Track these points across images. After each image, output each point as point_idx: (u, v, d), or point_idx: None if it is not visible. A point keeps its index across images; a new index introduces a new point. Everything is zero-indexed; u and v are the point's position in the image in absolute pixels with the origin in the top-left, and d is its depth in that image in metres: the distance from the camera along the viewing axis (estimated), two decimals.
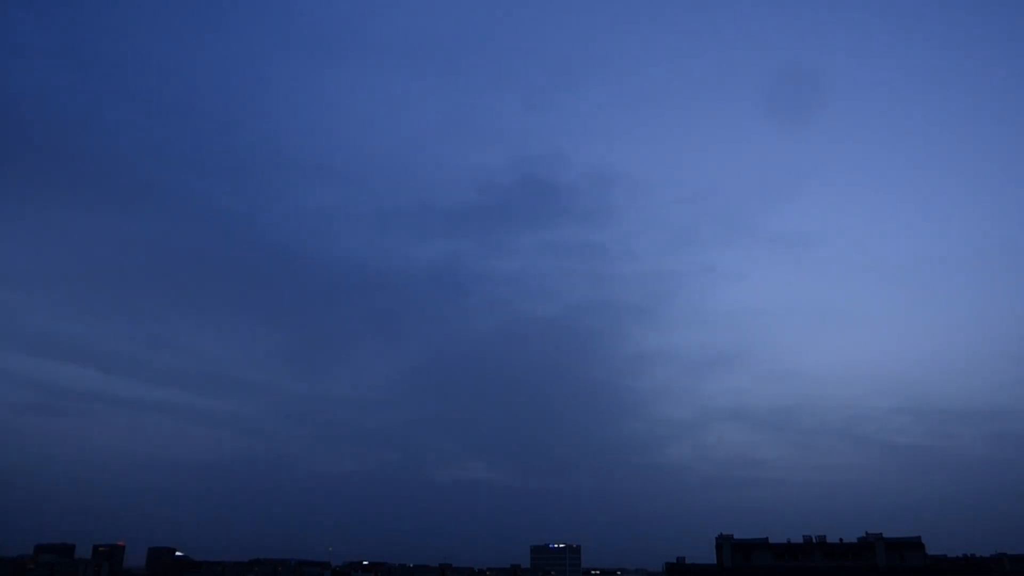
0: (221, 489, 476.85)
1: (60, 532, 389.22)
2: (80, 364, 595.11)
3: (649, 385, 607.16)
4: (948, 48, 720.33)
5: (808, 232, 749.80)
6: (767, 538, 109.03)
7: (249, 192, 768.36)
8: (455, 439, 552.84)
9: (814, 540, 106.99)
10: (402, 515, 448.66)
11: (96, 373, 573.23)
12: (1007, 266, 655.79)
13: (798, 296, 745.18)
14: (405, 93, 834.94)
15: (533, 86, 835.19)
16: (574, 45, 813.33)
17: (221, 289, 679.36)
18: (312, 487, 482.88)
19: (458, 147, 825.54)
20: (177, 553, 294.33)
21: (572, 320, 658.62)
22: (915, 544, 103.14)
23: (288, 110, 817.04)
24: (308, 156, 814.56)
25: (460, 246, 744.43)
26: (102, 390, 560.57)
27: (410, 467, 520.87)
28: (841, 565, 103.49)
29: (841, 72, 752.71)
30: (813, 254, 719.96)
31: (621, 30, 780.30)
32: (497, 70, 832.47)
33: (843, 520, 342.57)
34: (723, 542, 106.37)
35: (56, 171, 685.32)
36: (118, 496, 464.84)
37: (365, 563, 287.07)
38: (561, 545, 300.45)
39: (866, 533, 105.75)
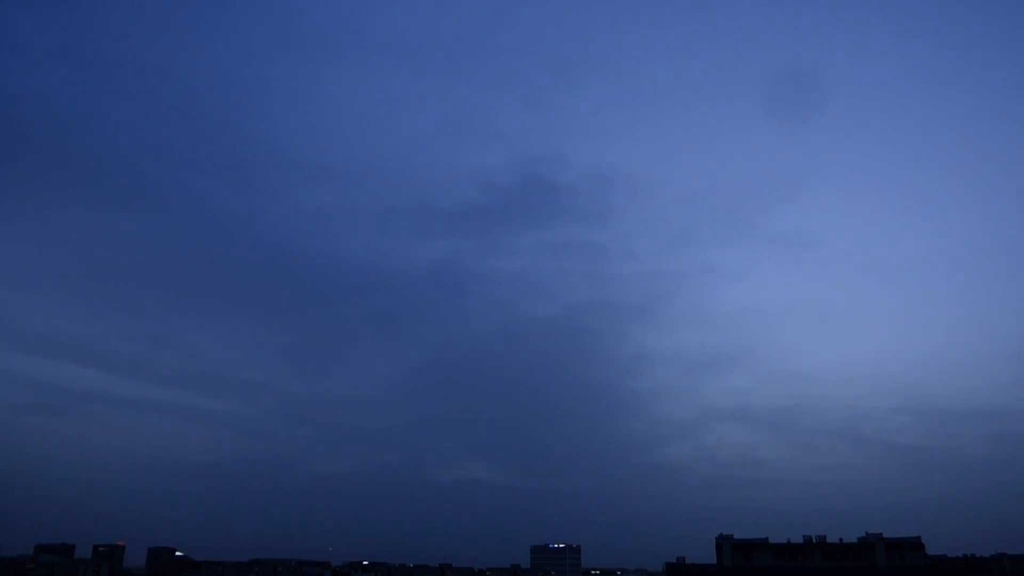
0: (221, 489, 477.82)
1: (60, 532, 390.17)
2: (80, 364, 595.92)
3: (649, 385, 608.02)
4: (948, 48, 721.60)
5: (808, 232, 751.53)
6: (767, 538, 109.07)
7: (249, 192, 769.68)
8: (455, 439, 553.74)
9: (814, 540, 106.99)
10: (402, 515, 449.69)
11: (96, 373, 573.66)
12: (1007, 266, 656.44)
13: (798, 296, 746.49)
14: (405, 93, 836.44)
15: (533, 86, 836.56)
16: (574, 45, 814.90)
17: (221, 289, 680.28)
18: (312, 487, 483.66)
19: (458, 147, 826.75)
20: (177, 553, 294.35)
21: (572, 320, 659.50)
22: (915, 544, 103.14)
23: (288, 110, 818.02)
24: (308, 156, 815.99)
25: (460, 246, 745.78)
26: (102, 390, 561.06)
27: (410, 467, 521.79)
28: (841, 565, 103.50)
29: (841, 72, 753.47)
30: (813, 254, 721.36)
31: (621, 30, 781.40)
32: (497, 70, 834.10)
33: (843, 520, 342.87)
34: (723, 542, 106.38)
35: (56, 171, 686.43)
36: (118, 496, 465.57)
37: (365, 563, 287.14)
38: (561, 545, 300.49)
39: (866, 533, 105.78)
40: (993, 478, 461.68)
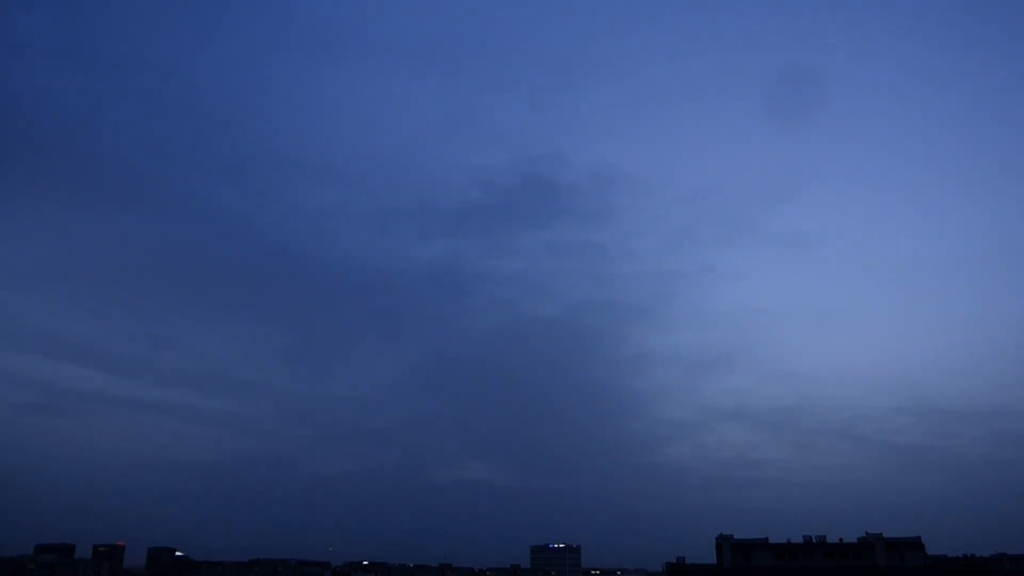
0: (221, 489, 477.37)
1: (60, 532, 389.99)
2: (80, 364, 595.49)
3: (649, 385, 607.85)
4: (948, 48, 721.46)
5: (808, 232, 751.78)
6: (767, 538, 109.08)
7: (249, 192, 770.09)
8: (455, 439, 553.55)
9: (814, 540, 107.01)
10: (402, 515, 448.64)
11: (96, 373, 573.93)
12: (1007, 266, 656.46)
13: (798, 296, 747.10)
14: (405, 93, 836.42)
15: (534, 86, 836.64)
16: (575, 45, 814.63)
17: (221, 289, 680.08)
18: (312, 487, 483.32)
19: (459, 147, 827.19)
20: (177, 553, 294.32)
21: (572, 320, 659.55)
22: (915, 544, 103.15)
23: (289, 110, 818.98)
24: (309, 156, 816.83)
25: (461, 246, 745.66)
26: (102, 390, 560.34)
27: (410, 467, 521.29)
28: (841, 565, 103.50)
29: (841, 72, 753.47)
30: (813, 254, 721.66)
31: (621, 30, 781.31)
32: (498, 70, 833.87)
33: (843, 520, 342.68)
34: (723, 542, 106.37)
35: (56, 171, 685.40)
36: (118, 496, 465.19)
37: (365, 563, 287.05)
38: (561, 545, 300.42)
39: (866, 533, 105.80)
40: (993, 478, 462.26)
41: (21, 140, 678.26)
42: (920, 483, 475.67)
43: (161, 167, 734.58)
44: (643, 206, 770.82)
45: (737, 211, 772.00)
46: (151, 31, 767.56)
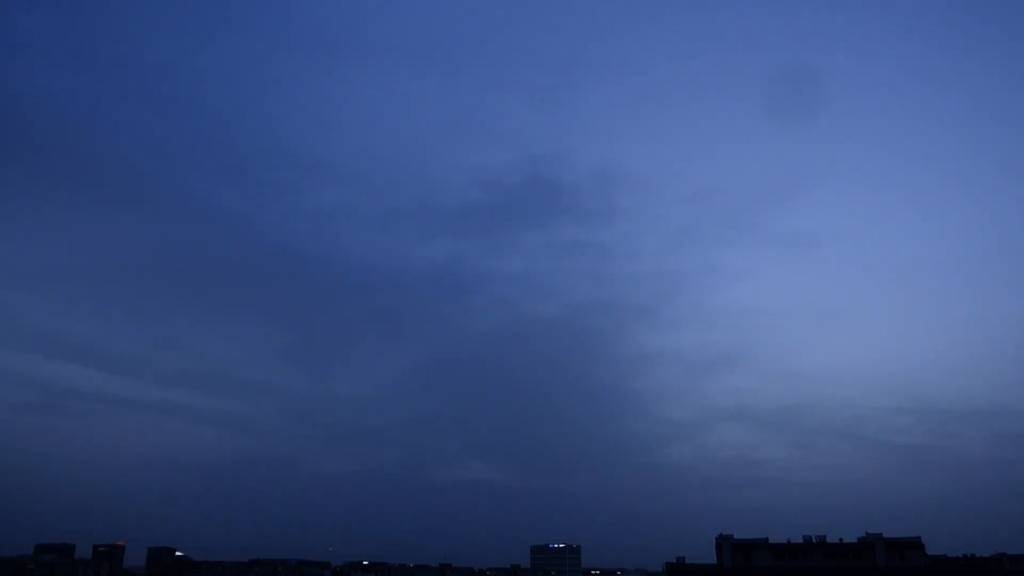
0: (221, 489, 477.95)
1: (60, 532, 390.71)
2: (80, 364, 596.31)
3: (650, 385, 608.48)
4: (948, 48, 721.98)
5: (809, 232, 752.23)
6: (767, 538, 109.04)
7: (250, 192, 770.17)
8: (455, 439, 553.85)
9: (814, 540, 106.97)
10: (402, 515, 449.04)
11: (96, 373, 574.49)
12: (1007, 266, 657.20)
13: (799, 296, 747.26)
14: (407, 92, 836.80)
15: (535, 86, 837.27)
16: (576, 45, 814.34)
17: (222, 289, 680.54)
18: (312, 487, 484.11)
19: (459, 147, 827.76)
20: (177, 553, 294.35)
21: (574, 320, 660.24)
22: (915, 544, 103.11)
23: (289, 110, 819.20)
24: (309, 156, 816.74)
25: (462, 246, 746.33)
26: (102, 390, 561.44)
27: (410, 467, 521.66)
28: (841, 565, 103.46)
29: (841, 72, 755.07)
30: (814, 254, 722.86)
31: (622, 30, 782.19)
32: (499, 70, 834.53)
33: (843, 520, 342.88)
34: (723, 542, 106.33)
35: (56, 171, 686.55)
36: (118, 496, 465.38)
37: (365, 563, 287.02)
38: (561, 545, 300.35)
39: (866, 533, 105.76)
40: (993, 478, 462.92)
41: (21, 140, 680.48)
42: (920, 483, 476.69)
43: (161, 167, 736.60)
44: (644, 206, 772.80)
45: (738, 211, 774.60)
46: (151, 31, 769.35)
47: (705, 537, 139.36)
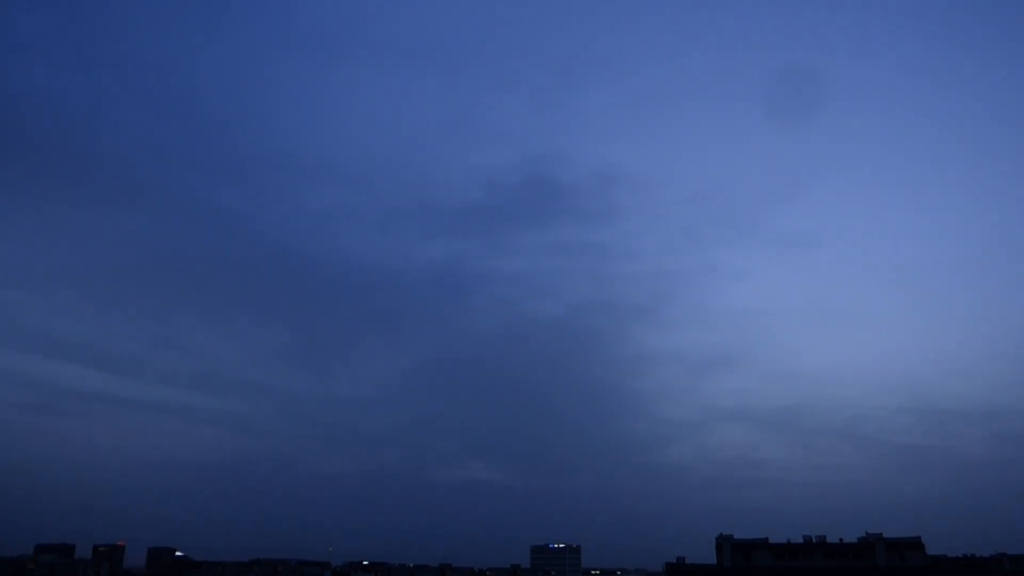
0: (221, 489, 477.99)
1: (60, 532, 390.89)
2: (80, 364, 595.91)
3: (650, 385, 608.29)
4: (948, 48, 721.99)
5: (809, 232, 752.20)
6: (767, 538, 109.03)
7: (250, 192, 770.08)
8: (455, 439, 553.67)
9: (814, 540, 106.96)
10: (402, 515, 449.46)
11: (96, 373, 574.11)
12: (1007, 266, 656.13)
13: (799, 296, 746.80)
14: (406, 92, 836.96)
15: (535, 86, 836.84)
16: (575, 45, 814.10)
17: (222, 289, 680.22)
18: (312, 487, 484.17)
19: (459, 147, 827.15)
20: (177, 553, 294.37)
21: (574, 320, 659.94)
22: (915, 544, 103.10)
23: (290, 109, 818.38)
24: (310, 156, 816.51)
25: (462, 246, 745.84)
26: (102, 390, 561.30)
27: (410, 467, 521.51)
28: (841, 565, 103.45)
29: (841, 72, 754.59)
30: (814, 254, 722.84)
31: (622, 30, 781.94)
32: (499, 70, 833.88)
33: (843, 520, 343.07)
34: (723, 542, 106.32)
35: (56, 171, 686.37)
36: (118, 496, 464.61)
37: (365, 563, 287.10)
38: (561, 545, 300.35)
39: (866, 533, 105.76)
40: (993, 478, 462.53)
41: (21, 140, 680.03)
42: (920, 483, 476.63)
43: (161, 167, 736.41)
44: (644, 206, 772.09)
45: (738, 211, 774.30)
46: (151, 31, 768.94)
47: (705, 537, 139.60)
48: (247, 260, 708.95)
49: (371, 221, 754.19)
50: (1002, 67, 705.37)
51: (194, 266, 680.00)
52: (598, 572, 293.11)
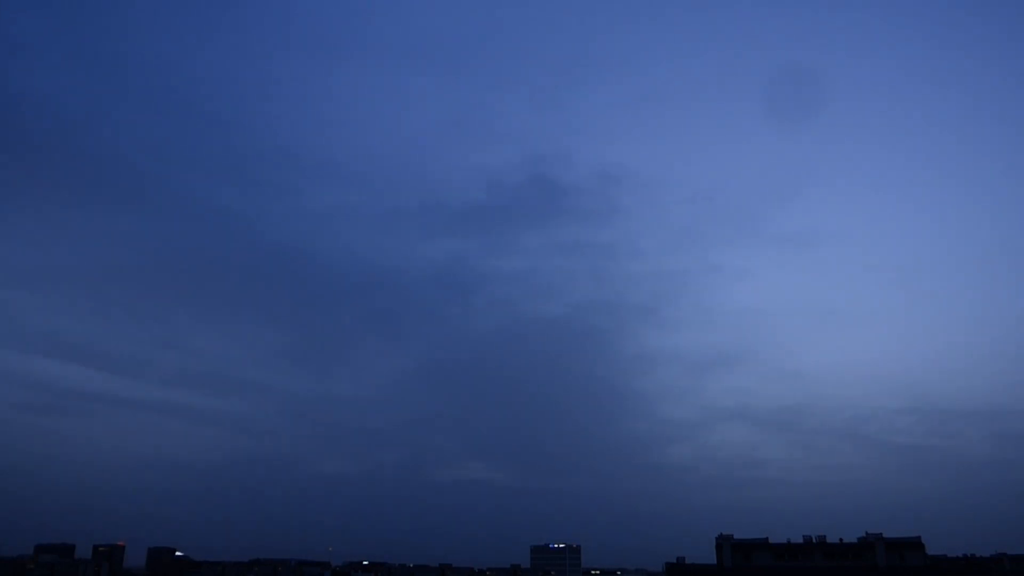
0: (221, 489, 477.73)
1: (60, 532, 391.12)
2: (80, 364, 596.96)
3: (651, 385, 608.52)
4: (948, 48, 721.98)
5: (810, 232, 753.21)
6: (767, 538, 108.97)
7: (250, 191, 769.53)
8: (455, 439, 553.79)
9: (814, 540, 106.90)
10: (402, 515, 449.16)
11: (96, 373, 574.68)
12: (1007, 266, 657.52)
13: (800, 296, 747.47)
14: (409, 92, 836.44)
15: (536, 85, 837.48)
16: (577, 45, 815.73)
17: (223, 289, 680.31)
18: (312, 487, 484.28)
19: (461, 146, 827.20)
20: (177, 553, 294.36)
21: (575, 320, 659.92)
22: (915, 544, 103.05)
23: (290, 109, 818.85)
24: (311, 155, 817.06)
25: (464, 246, 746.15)
26: (102, 390, 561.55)
27: (410, 467, 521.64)
28: (841, 565, 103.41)
29: (841, 72, 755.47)
30: (815, 254, 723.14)
31: (623, 30, 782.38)
32: (500, 69, 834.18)
33: (843, 520, 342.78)
34: (723, 542, 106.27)
35: (56, 171, 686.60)
36: (118, 496, 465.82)
37: (365, 563, 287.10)
38: (561, 545, 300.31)
39: (866, 533, 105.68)
40: (994, 478, 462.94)
41: (21, 140, 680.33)
42: (920, 483, 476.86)
43: (161, 167, 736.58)
44: (645, 206, 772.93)
45: (739, 211, 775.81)
46: (151, 31, 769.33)
47: (705, 537, 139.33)
48: (247, 260, 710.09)
49: (371, 221, 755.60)
50: (1002, 67, 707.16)
51: (194, 266, 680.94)
52: (598, 572, 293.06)
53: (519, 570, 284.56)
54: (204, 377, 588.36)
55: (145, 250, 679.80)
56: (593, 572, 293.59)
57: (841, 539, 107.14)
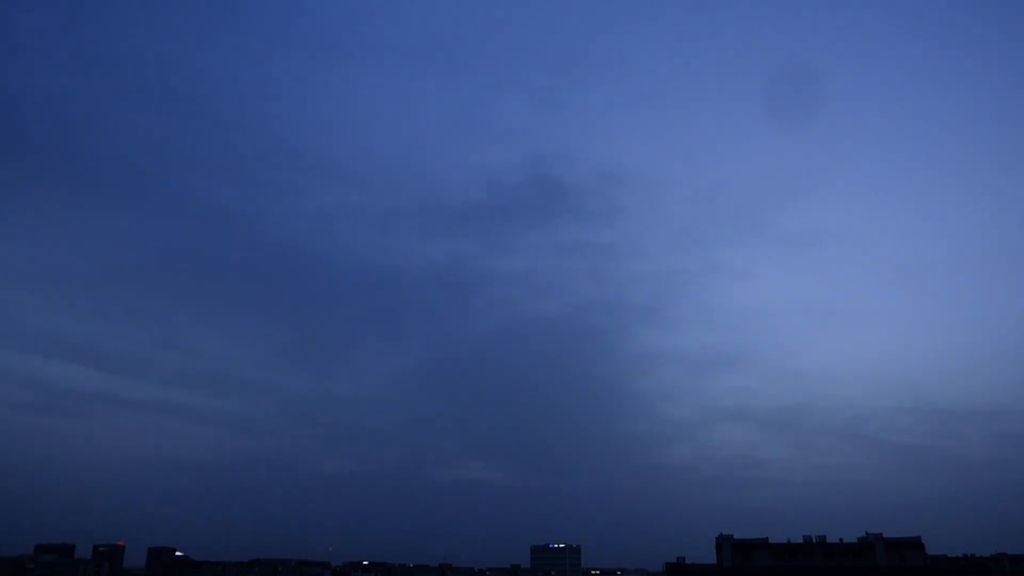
0: (221, 489, 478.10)
1: (60, 532, 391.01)
2: (80, 364, 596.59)
3: (651, 385, 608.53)
4: (948, 48, 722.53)
5: (810, 232, 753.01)
6: (767, 538, 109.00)
7: (250, 191, 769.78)
8: (455, 439, 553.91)
9: (814, 540, 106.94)
10: (402, 515, 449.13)
11: (96, 373, 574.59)
12: (1007, 266, 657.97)
13: (800, 296, 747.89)
14: (410, 92, 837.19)
15: (536, 85, 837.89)
16: (577, 45, 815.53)
17: (223, 289, 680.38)
18: (312, 487, 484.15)
19: (461, 146, 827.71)
20: (177, 553, 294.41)
21: (577, 320, 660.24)
22: (915, 544, 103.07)
23: (291, 109, 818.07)
24: (312, 155, 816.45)
25: (465, 246, 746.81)
26: (102, 390, 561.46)
27: (410, 467, 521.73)
28: (841, 565, 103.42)
29: (841, 72, 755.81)
30: (816, 254, 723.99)
31: (623, 30, 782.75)
32: (502, 69, 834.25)
33: (843, 520, 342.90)
34: (723, 542, 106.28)
35: (56, 171, 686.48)
36: (118, 496, 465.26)
37: (365, 563, 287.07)
38: (561, 545, 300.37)
39: (866, 533, 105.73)
40: (994, 478, 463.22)
41: (21, 140, 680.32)
42: (920, 483, 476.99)
43: (161, 167, 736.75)
44: (646, 206, 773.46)
45: (739, 211, 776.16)
46: (152, 30, 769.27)
47: (705, 537, 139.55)
48: (247, 260, 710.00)
49: (372, 221, 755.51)
50: (1002, 67, 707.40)
51: (194, 266, 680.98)
52: (598, 572, 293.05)
53: (519, 570, 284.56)
54: (204, 377, 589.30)
55: (145, 250, 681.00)
56: (593, 572, 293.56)
57: (841, 539, 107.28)
